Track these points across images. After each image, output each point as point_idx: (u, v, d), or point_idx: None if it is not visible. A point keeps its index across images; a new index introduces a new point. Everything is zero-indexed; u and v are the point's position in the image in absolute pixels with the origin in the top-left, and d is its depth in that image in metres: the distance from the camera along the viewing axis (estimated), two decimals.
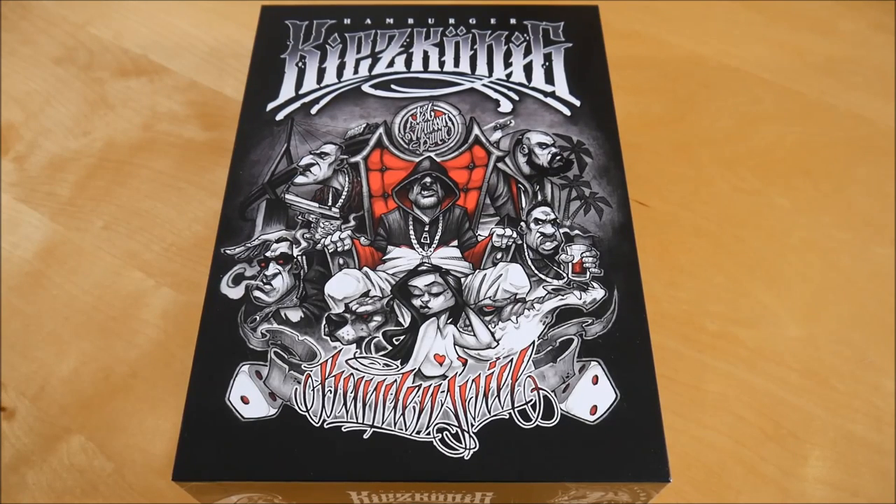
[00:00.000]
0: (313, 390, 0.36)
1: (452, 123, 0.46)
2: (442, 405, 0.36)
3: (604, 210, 0.43)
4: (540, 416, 0.36)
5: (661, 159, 0.60)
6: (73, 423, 0.47)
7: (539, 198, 0.43)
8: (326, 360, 0.37)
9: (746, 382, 0.49)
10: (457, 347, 0.38)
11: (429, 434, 0.35)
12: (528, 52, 0.50)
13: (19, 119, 0.63)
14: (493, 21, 0.52)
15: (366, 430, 0.35)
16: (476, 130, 0.46)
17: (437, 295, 0.39)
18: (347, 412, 0.36)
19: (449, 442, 0.35)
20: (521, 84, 0.49)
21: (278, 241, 0.41)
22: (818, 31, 0.68)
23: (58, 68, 0.66)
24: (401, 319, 0.39)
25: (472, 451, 0.35)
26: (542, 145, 0.45)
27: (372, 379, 0.37)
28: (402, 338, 0.38)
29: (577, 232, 0.42)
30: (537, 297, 0.39)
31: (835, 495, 0.45)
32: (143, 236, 0.55)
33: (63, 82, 0.65)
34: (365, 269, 0.41)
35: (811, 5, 0.70)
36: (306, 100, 0.48)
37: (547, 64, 0.50)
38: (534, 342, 0.38)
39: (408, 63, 0.50)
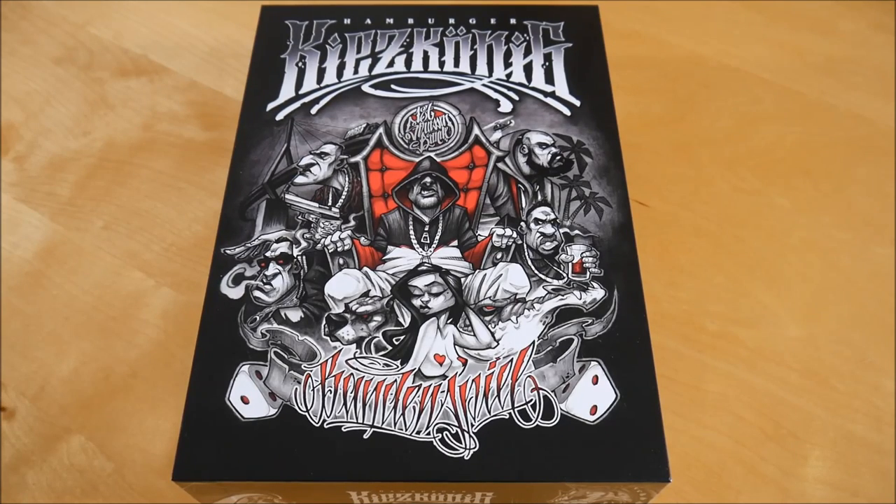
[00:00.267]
0: (313, 390, 0.36)
1: (452, 123, 0.46)
2: (442, 405, 0.36)
3: (604, 210, 0.43)
4: (540, 416, 0.36)
5: (661, 159, 0.60)
6: (73, 423, 0.47)
7: (539, 198, 0.43)
8: (326, 360, 0.37)
9: (746, 382, 0.49)
10: (457, 347, 0.38)
11: (429, 434, 0.35)
12: (528, 52, 0.50)
13: (19, 119, 0.63)
14: (493, 21, 0.52)
15: (366, 430, 0.35)
16: (476, 130, 0.46)
17: (437, 295, 0.39)
18: (347, 412, 0.36)
19: (449, 442, 0.35)
20: (521, 84, 0.49)
21: (278, 241, 0.41)
22: (818, 31, 0.68)
23: (58, 68, 0.66)
24: (401, 319, 0.39)
25: (472, 451, 0.35)
26: (542, 145, 0.45)
27: (372, 379, 0.37)
28: (402, 338, 0.38)
29: (577, 232, 0.42)
30: (537, 297, 0.39)
31: (835, 495, 0.45)
32: (143, 236, 0.55)
33: (63, 82, 0.65)
34: (365, 269, 0.41)
35: (811, 5, 0.70)
36: (306, 100, 0.48)
37: (547, 64, 0.50)
38: (534, 342, 0.38)
39: (408, 63, 0.50)
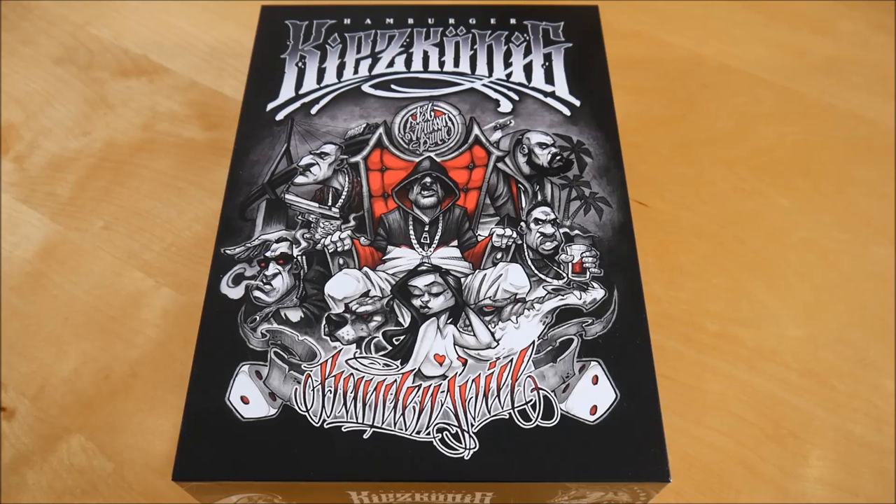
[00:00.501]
0: (313, 390, 0.36)
1: (452, 123, 0.46)
2: (442, 405, 0.36)
3: (604, 210, 0.43)
4: (540, 416, 0.36)
5: (661, 159, 0.60)
6: (73, 423, 0.47)
7: (539, 198, 0.43)
8: (326, 360, 0.37)
9: (746, 382, 0.49)
10: (457, 347, 0.38)
11: (429, 434, 0.35)
12: (528, 52, 0.50)
13: (19, 119, 0.63)
14: (493, 21, 0.52)
15: (366, 430, 0.35)
16: (476, 130, 0.46)
17: (437, 295, 0.39)
18: (347, 412, 0.36)
19: (449, 442, 0.35)
20: (521, 84, 0.49)
21: (278, 241, 0.41)
22: (818, 31, 0.68)
23: (58, 68, 0.66)
24: (401, 319, 0.39)
25: (472, 451, 0.35)
26: (542, 145, 0.45)
27: (372, 379, 0.37)
28: (402, 338, 0.38)
29: (577, 232, 0.42)
30: (537, 297, 0.39)
31: (835, 495, 0.45)
32: (143, 236, 0.55)
33: (63, 82, 0.65)
34: (365, 269, 0.41)
35: (811, 5, 0.70)
36: (306, 100, 0.48)
37: (547, 64, 0.50)
38: (534, 342, 0.38)
39: (408, 63, 0.50)
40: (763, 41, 0.68)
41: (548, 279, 0.40)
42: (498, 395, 0.36)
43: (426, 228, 0.42)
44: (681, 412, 0.47)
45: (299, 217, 0.42)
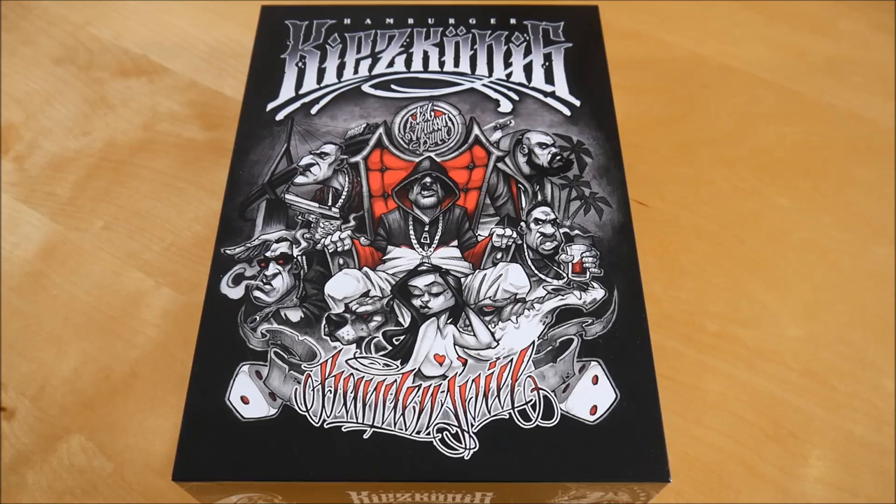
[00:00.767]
0: (313, 390, 0.36)
1: (452, 123, 0.46)
2: (442, 405, 0.36)
3: (604, 210, 0.43)
4: (540, 416, 0.36)
5: (661, 159, 0.60)
6: (73, 423, 0.47)
7: (539, 198, 0.43)
8: (326, 360, 0.37)
9: (746, 382, 0.49)
10: (457, 347, 0.38)
11: (429, 434, 0.35)
12: (528, 52, 0.50)
13: (19, 119, 0.63)
14: (493, 21, 0.52)
15: (366, 430, 0.35)
16: (476, 130, 0.46)
17: (437, 295, 0.39)
18: (347, 412, 0.36)
19: (449, 442, 0.35)
20: (521, 84, 0.49)
21: (278, 241, 0.41)
22: (818, 31, 0.68)
23: (58, 68, 0.66)
24: (401, 319, 0.39)
25: (472, 451, 0.35)
26: (542, 145, 0.45)
27: (372, 379, 0.37)
28: (402, 338, 0.38)
29: (577, 232, 0.42)
30: (537, 297, 0.39)
31: (835, 495, 0.45)
32: (143, 236, 0.55)
33: (63, 82, 0.65)
34: (365, 269, 0.41)
35: (811, 5, 0.70)
36: (306, 100, 0.48)
37: (547, 64, 0.50)
38: (534, 342, 0.38)
39: (408, 63, 0.50)
40: (763, 41, 0.68)
41: (548, 279, 0.40)
42: (498, 395, 0.36)
43: (426, 228, 0.42)
44: (681, 412, 0.47)
45: (299, 217, 0.42)
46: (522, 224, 0.42)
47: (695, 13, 0.70)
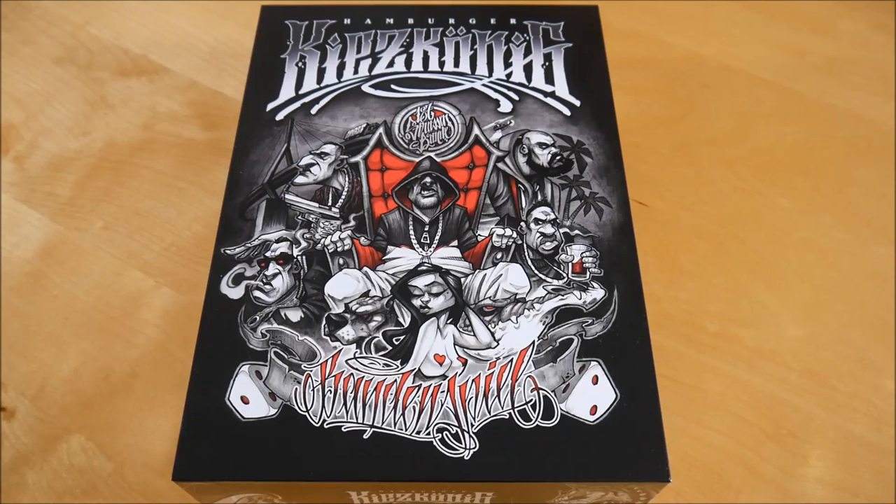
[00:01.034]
0: (313, 390, 0.36)
1: (452, 123, 0.46)
2: (442, 405, 0.36)
3: (604, 210, 0.43)
4: (540, 416, 0.36)
5: (661, 159, 0.60)
6: (73, 423, 0.47)
7: (539, 198, 0.43)
8: (326, 360, 0.37)
9: (746, 382, 0.49)
10: (457, 347, 0.38)
11: (429, 434, 0.35)
12: (528, 52, 0.50)
13: (19, 119, 0.63)
14: (493, 21, 0.52)
15: (366, 430, 0.35)
16: (476, 130, 0.46)
17: (437, 295, 0.39)
18: (347, 412, 0.36)
19: (449, 442, 0.35)
20: (521, 84, 0.49)
21: (278, 241, 0.41)
22: (818, 31, 0.68)
23: (58, 68, 0.66)
24: (401, 319, 0.39)
25: (472, 451, 0.35)
26: (542, 145, 0.45)
27: (372, 379, 0.37)
28: (402, 338, 0.38)
29: (577, 232, 0.42)
30: (537, 297, 0.39)
31: (835, 495, 0.45)
32: (143, 236, 0.55)
33: (63, 82, 0.65)
34: (365, 269, 0.41)
35: (811, 5, 0.70)
36: (306, 100, 0.48)
37: (547, 64, 0.50)
38: (534, 342, 0.38)
39: (408, 63, 0.50)
40: (763, 41, 0.68)
41: (548, 279, 0.40)
42: (498, 395, 0.36)
43: (426, 228, 0.42)
44: (681, 412, 0.47)
45: (299, 217, 0.42)
46: (522, 224, 0.42)
47: (695, 13, 0.70)
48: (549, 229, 0.42)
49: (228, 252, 0.41)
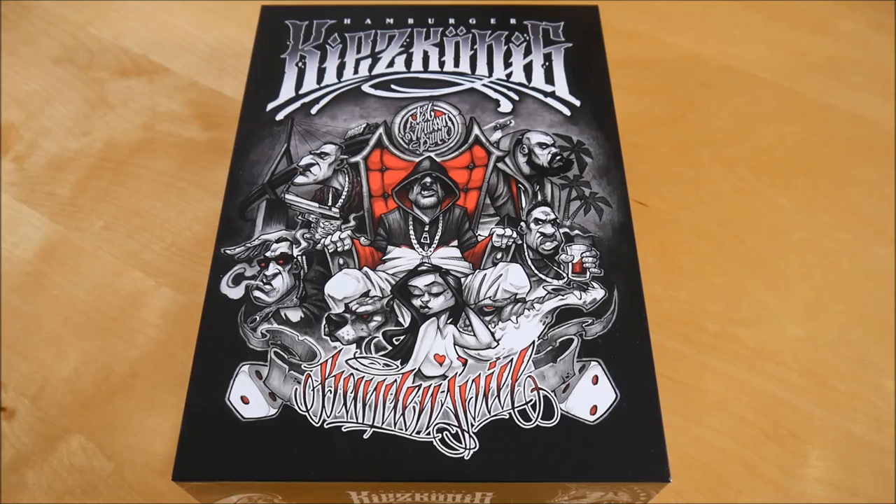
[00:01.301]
0: (313, 390, 0.36)
1: (452, 123, 0.46)
2: (442, 405, 0.36)
3: (604, 210, 0.43)
4: (540, 416, 0.36)
5: (661, 159, 0.60)
6: (73, 423, 0.47)
7: (539, 198, 0.43)
8: (326, 360, 0.37)
9: (746, 382, 0.49)
10: (457, 347, 0.38)
11: (429, 434, 0.35)
12: (528, 52, 0.50)
13: (19, 119, 0.63)
14: (493, 21, 0.52)
15: (366, 430, 0.35)
16: (476, 130, 0.46)
17: (437, 295, 0.39)
18: (347, 412, 0.36)
19: (449, 442, 0.35)
20: (521, 84, 0.49)
21: (278, 241, 0.41)
22: (818, 31, 0.68)
23: (58, 68, 0.66)
24: (401, 319, 0.39)
25: (472, 451, 0.35)
26: (542, 145, 0.45)
27: (372, 379, 0.37)
28: (402, 338, 0.38)
29: (577, 232, 0.42)
30: (537, 297, 0.39)
31: (835, 495, 0.45)
32: (143, 236, 0.55)
33: (63, 82, 0.65)
34: (365, 269, 0.41)
35: (811, 5, 0.70)
36: (306, 100, 0.48)
37: (547, 64, 0.50)
38: (534, 342, 0.38)
39: (408, 63, 0.50)
40: (763, 41, 0.68)
41: (548, 279, 0.40)
42: (498, 395, 0.36)
43: (426, 228, 0.42)
44: (681, 412, 0.47)
45: (299, 217, 0.42)
46: (522, 224, 0.42)
47: (695, 13, 0.70)
48: (549, 229, 0.42)
49: (228, 252, 0.41)
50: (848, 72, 0.65)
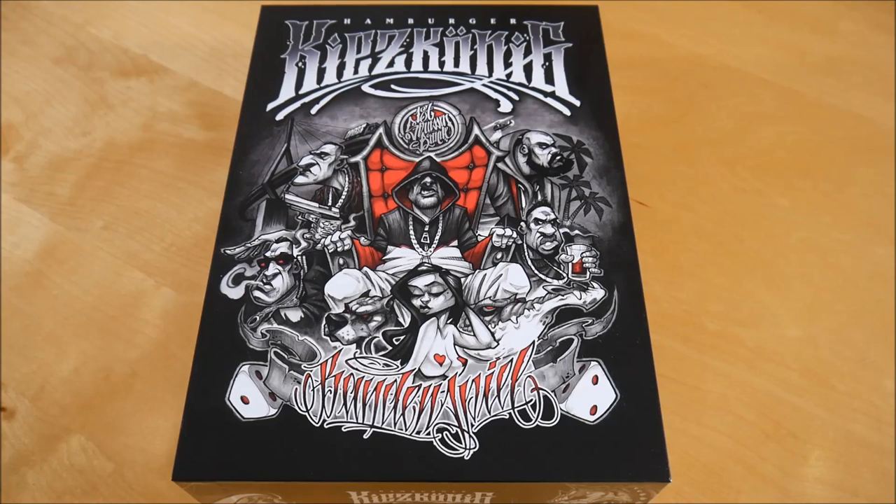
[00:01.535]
0: (313, 390, 0.36)
1: (452, 123, 0.46)
2: (442, 405, 0.36)
3: (604, 210, 0.43)
4: (540, 416, 0.36)
5: (661, 159, 0.60)
6: (73, 423, 0.47)
7: (539, 198, 0.43)
8: (326, 360, 0.37)
9: (746, 382, 0.49)
10: (457, 347, 0.38)
11: (429, 434, 0.35)
12: (528, 52, 0.50)
13: (19, 119, 0.63)
14: (493, 21, 0.52)
15: (366, 430, 0.35)
16: (476, 130, 0.46)
17: (437, 295, 0.39)
18: (347, 412, 0.36)
19: (449, 442, 0.35)
20: (521, 84, 0.49)
21: (278, 241, 0.41)
22: (818, 31, 0.68)
23: (58, 68, 0.66)
24: (401, 319, 0.39)
25: (472, 451, 0.35)
26: (542, 145, 0.45)
27: (372, 379, 0.37)
28: (402, 338, 0.38)
29: (577, 232, 0.42)
30: (537, 297, 0.39)
31: (835, 495, 0.45)
32: (143, 236, 0.55)
33: (63, 82, 0.65)
34: (365, 269, 0.41)
35: (811, 5, 0.70)
36: (306, 100, 0.48)
37: (547, 64, 0.50)
38: (534, 342, 0.38)
39: (408, 63, 0.50)
40: (763, 41, 0.68)
41: (548, 279, 0.40)
42: (498, 395, 0.36)
43: (426, 228, 0.42)
44: (681, 412, 0.47)
45: (299, 217, 0.42)
46: (522, 224, 0.42)
47: (695, 13, 0.70)
48: (549, 229, 0.42)
49: (228, 252, 0.41)
50: (848, 72, 0.65)
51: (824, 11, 0.70)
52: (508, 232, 0.42)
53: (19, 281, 0.53)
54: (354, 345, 0.38)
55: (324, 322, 0.39)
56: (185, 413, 0.36)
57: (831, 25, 0.69)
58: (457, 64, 0.50)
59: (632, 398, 0.36)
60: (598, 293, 0.40)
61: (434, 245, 0.41)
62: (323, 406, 0.36)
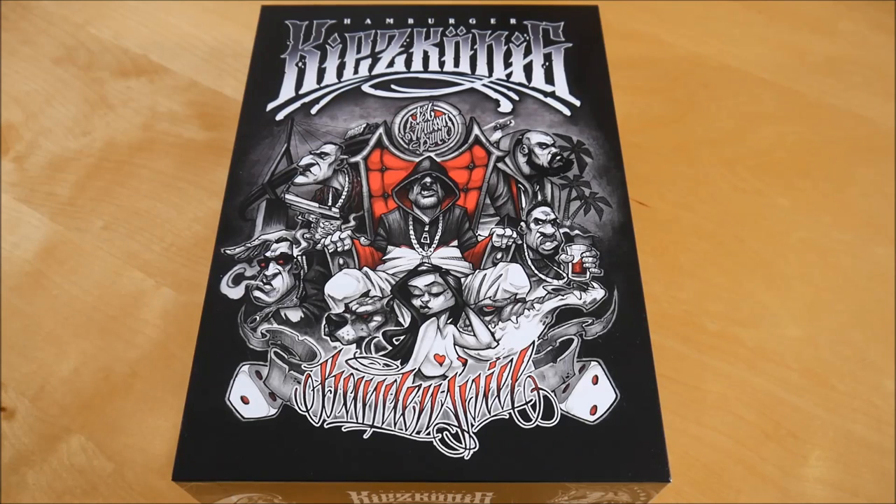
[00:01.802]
0: (313, 390, 0.36)
1: (452, 123, 0.46)
2: (442, 405, 0.36)
3: (604, 210, 0.43)
4: (540, 416, 0.36)
5: (661, 159, 0.60)
6: (73, 423, 0.47)
7: (539, 198, 0.43)
8: (326, 360, 0.37)
9: (746, 382, 0.49)
10: (457, 347, 0.38)
11: (429, 434, 0.35)
12: (528, 52, 0.50)
13: (19, 119, 0.63)
14: (493, 21, 0.52)
15: (366, 430, 0.35)
16: (476, 130, 0.46)
17: (437, 295, 0.39)
18: (347, 412, 0.36)
19: (449, 442, 0.35)
20: (521, 84, 0.49)
21: (278, 241, 0.41)
22: (818, 31, 0.68)
23: (58, 68, 0.66)
24: (401, 319, 0.39)
25: (472, 451, 0.35)
26: (542, 145, 0.45)
27: (372, 379, 0.37)
28: (402, 338, 0.38)
29: (577, 232, 0.42)
30: (537, 297, 0.39)
31: (835, 495, 0.45)
32: (143, 236, 0.55)
33: (63, 82, 0.65)
34: (365, 269, 0.41)
35: (811, 5, 0.70)
36: (306, 100, 0.48)
37: (547, 64, 0.50)
38: (534, 342, 0.38)
39: (408, 63, 0.50)
40: (763, 41, 0.68)
41: (548, 279, 0.40)
42: (498, 395, 0.36)
43: (426, 228, 0.42)
44: (681, 412, 0.47)
45: (299, 217, 0.42)
46: (522, 224, 0.42)
47: (695, 13, 0.70)
48: (549, 229, 0.42)
49: (228, 252, 0.41)
50: (848, 72, 0.65)
51: (824, 11, 0.70)
52: (508, 232, 0.42)
53: (19, 281, 0.53)
54: (354, 345, 0.38)
55: (324, 322, 0.39)
56: (185, 413, 0.36)
57: (831, 25, 0.69)
58: (457, 64, 0.50)
59: (632, 398, 0.36)
60: (598, 293, 0.40)
61: (434, 245, 0.41)
62: (323, 406, 0.36)
